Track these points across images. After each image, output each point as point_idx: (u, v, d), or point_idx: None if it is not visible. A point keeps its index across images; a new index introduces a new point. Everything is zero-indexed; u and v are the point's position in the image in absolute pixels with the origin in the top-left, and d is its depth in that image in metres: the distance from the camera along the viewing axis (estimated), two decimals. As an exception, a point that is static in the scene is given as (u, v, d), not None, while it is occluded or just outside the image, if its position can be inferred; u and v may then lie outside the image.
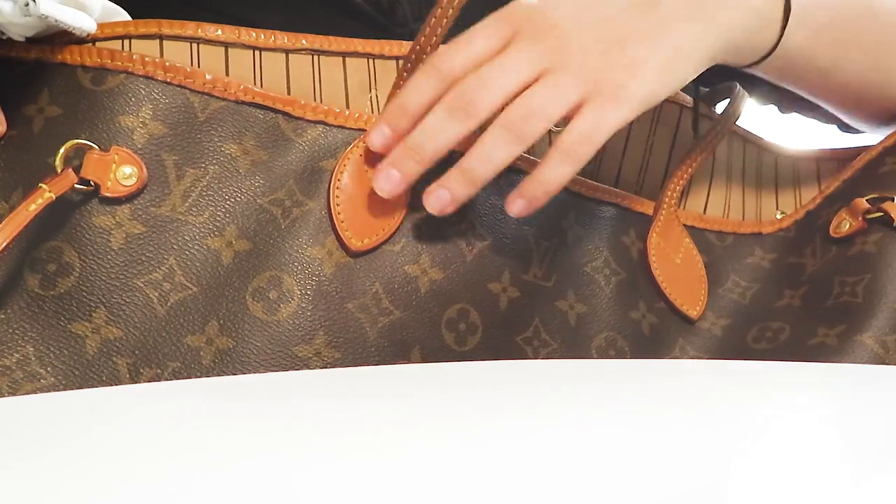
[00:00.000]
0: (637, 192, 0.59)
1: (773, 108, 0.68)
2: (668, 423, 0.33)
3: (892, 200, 0.58)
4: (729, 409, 0.35)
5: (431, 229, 0.50)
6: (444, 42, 0.49)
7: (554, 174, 0.47)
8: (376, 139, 0.48)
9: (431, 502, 0.26)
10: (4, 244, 0.42)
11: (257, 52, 0.50)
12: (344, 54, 0.51)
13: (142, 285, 0.45)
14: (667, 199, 0.58)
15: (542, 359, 0.52)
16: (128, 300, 0.45)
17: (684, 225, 0.59)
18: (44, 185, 0.44)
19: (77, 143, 0.45)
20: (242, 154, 0.48)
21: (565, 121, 0.48)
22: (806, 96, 0.61)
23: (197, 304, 0.46)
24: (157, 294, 0.45)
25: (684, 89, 0.60)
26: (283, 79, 0.50)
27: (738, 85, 0.61)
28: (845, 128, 0.67)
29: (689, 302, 0.57)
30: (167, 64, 0.47)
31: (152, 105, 0.47)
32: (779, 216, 0.63)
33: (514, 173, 0.52)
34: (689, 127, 0.61)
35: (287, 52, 0.50)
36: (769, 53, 0.54)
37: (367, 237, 0.49)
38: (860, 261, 0.56)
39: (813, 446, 0.32)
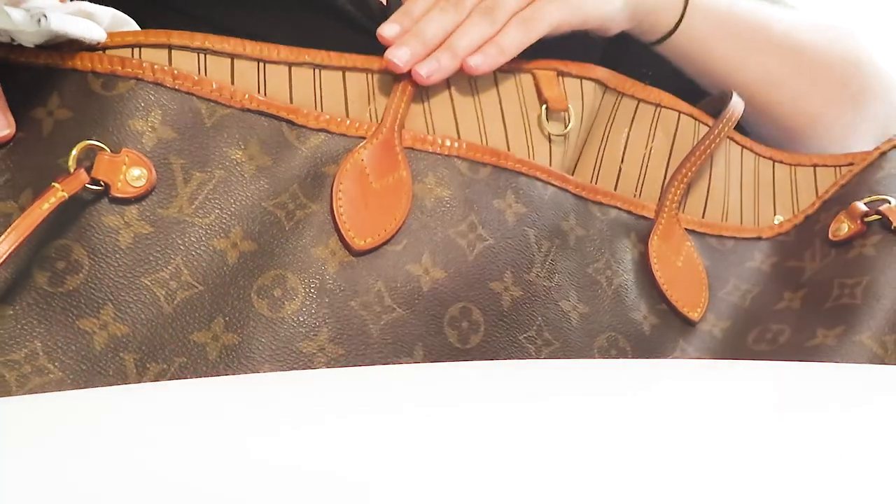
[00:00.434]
0: (636, 197, 0.60)
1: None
2: (668, 423, 0.33)
3: (890, 203, 0.58)
4: (729, 409, 0.35)
5: (433, 230, 0.51)
6: None
7: (509, 38, 0.56)
8: (387, 31, 0.55)
9: (433, 502, 0.26)
10: (18, 242, 0.43)
11: (261, 64, 0.51)
12: (344, 69, 0.53)
13: (149, 283, 0.46)
14: (668, 203, 0.58)
15: (545, 358, 0.52)
16: (135, 298, 0.45)
17: (685, 229, 0.59)
18: (57, 185, 0.44)
19: (89, 145, 0.46)
20: (247, 159, 0.49)
21: None
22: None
23: (203, 301, 0.46)
24: (163, 292, 0.46)
25: (683, 96, 0.62)
26: (286, 90, 0.51)
27: (733, 93, 0.62)
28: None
29: (690, 304, 0.57)
30: (176, 72, 0.48)
31: (161, 110, 0.47)
32: (777, 221, 0.63)
33: (512, 174, 0.53)
34: (687, 132, 0.61)
35: (290, 65, 0.51)
36: (670, 33, 0.64)
37: (369, 237, 0.49)
38: (859, 263, 0.56)
39: (813, 446, 0.32)
